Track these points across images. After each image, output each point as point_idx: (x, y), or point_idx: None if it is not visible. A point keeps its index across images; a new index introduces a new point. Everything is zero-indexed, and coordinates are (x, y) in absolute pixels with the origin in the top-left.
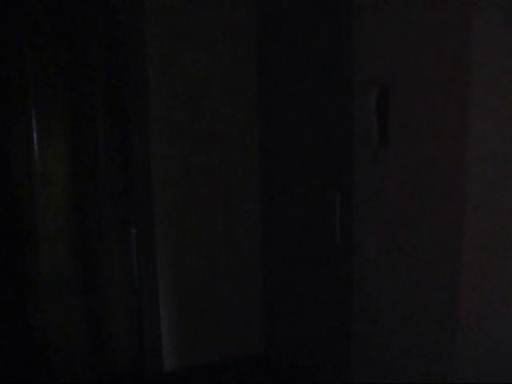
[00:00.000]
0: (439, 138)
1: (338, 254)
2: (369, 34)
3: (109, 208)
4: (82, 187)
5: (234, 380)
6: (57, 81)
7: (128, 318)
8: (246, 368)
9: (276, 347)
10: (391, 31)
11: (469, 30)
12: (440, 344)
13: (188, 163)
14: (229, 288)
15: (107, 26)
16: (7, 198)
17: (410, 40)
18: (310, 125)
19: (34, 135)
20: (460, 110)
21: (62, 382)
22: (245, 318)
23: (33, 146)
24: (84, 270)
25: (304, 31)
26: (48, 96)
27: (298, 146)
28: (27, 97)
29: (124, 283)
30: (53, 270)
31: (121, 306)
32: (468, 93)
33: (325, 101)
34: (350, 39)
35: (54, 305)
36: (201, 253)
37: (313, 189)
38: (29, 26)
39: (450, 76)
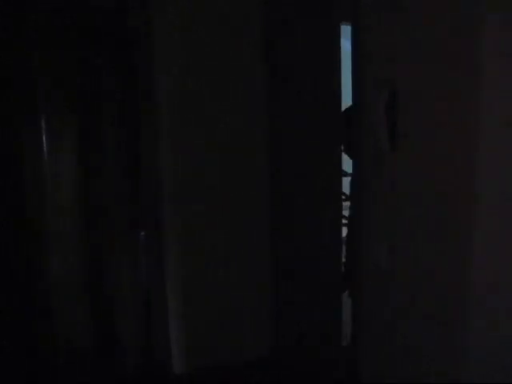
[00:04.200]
0: (450, 142)
1: (328, 254)
2: (378, 37)
3: (118, 209)
4: (90, 189)
5: (243, 382)
6: (65, 83)
7: (136, 319)
8: (255, 369)
9: (285, 348)
10: (401, 33)
11: (480, 32)
12: (450, 346)
13: (197, 165)
14: (238, 289)
15: (115, 27)
16: (17, 199)
17: (420, 42)
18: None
19: (44, 137)
20: (470, 113)
21: None
22: (254, 319)
23: (42, 148)
24: (92, 271)
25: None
26: (57, 98)
27: (299, 149)
28: (36, 100)
29: (133, 285)
30: (61, 271)
31: (129, 308)
32: (479, 95)
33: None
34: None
35: (62, 306)
36: (210, 255)
37: (312, 193)
38: (33, 26)
39: (460, 78)
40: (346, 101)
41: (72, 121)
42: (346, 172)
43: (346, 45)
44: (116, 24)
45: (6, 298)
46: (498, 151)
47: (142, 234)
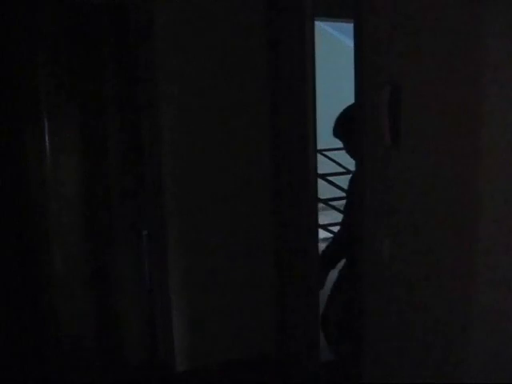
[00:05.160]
0: (452, 139)
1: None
2: (381, 34)
3: (120, 209)
4: (93, 188)
5: (246, 379)
6: (67, 82)
7: (140, 318)
8: (257, 367)
9: (287, 346)
10: (403, 31)
11: (482, 29)
12: (450, 346)
13: (200, 164)
14: (240, 288)
15: (117, 26)
16: (21, 198)
17: (422, 40)
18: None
19: (45, 137)
20: (473, 111)
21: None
22: (256, 318)
23: (44, 147)
24: (96, 270)
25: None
26: (58, 98)
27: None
28: (39, 99)
29: (136, 284)
30: (65, 270)
31: (133, 307)
32: (481, 93)
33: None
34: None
35: (66, 305)
36: (213, 253)
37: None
38: (34, 26)
39: (463, 76)
40: (349, 99)
41: (73, 120)
42: (347, 169)
43: (349, 43)
44: (117, 23)
45: (8, 297)
46: (499, 150)
47: (145, 233)
